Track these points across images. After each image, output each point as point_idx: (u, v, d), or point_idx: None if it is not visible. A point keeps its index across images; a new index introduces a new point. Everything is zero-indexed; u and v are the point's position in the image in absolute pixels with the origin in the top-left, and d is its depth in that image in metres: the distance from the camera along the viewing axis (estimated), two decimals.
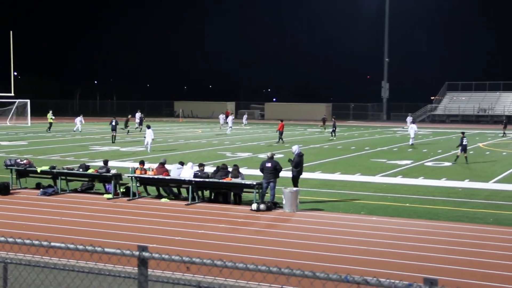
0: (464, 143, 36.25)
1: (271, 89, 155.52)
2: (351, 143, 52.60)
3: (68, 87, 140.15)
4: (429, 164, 36.41)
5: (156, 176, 23.73)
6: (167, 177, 23.54)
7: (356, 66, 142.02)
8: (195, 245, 16.41)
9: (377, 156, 40.39)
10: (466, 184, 28.29)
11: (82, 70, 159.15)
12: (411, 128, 51.87)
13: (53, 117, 63.88)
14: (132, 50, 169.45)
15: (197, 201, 22.78)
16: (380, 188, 26.87)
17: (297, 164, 22.75)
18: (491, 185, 28.21)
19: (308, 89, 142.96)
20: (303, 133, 65.20)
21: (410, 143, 49.99)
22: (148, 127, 41.23)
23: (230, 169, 23.50)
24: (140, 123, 64.26)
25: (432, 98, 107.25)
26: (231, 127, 63.97)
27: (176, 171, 23.56)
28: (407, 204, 22.88)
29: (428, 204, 22.98)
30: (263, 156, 30.81)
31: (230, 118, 65.23)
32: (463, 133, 38.14)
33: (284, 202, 21.23)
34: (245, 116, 79.71)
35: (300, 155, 23.10)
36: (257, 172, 23.63)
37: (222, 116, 69.40)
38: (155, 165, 24.99)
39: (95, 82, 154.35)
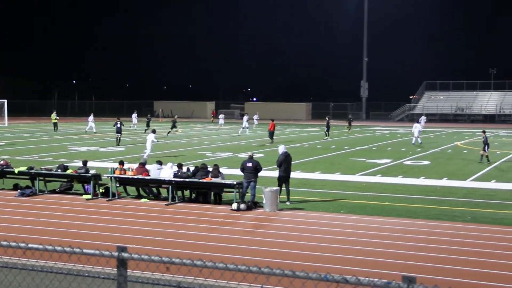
0: (487, 141, 36.23)
1: (251, 88, 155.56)
2: (330, 142, 52.81)
3: (46, 87, 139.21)
4: (408, 162, 36.59)
5: (135, 176, 23.66)
6: (146, 177, 23.47)
7: (336, 66, 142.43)
8: (175, 245, 16.40)
9: (356, 155, 40.53)
10: (444, 182, 28.46)
11: (60, 70, 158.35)
12: (415, 128, 51.11)
13: (57, 117, 64.26)
14: (112, 50, 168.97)
15: (177, 201, 22.75)
16: (360, 187, 26.98)
17: (281, 163, 22.74)
18: (468, 183, 28.40)
19: (288, 88, 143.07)
20: (283, 133, 65.39)
21: (412, 143, 50.48)
22: (154, 131, 38.58)
23: (210, 169, 23.50)
24: (147, 125, 62.58)
25: (410, 97, 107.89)
26: (245, 127, 62.38)
27: (156, 171, 23.54)
28: (386, 203, 22.97)
29: (407, 203, 23.09)
30: (243, 155, 30.80)
31: (245, 118, 63.79)
32: (484, 131, 38.28)
33: (264, 201, 21.22)
34: (221, 116, 78.39)
35: (286, 155, 23.06)
36: (238, 172, 23.64)
37: (256, 117, 68.18)
38: (135, 165, 24.96)
39: (73, 81, 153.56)
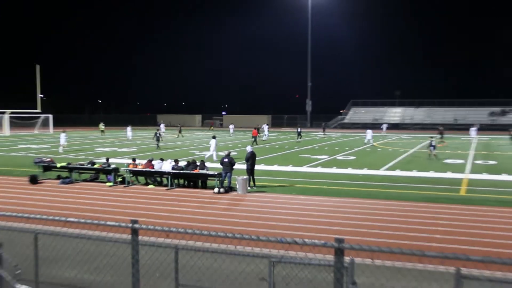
0: (432, 144, 36.54)
1: (227, 104, 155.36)
2: (285, 143, 52.80)
3: (78, 103, 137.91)
4: (340, 158, 36.77)
5: (144, 169, 23.98)
6: (152, 170, 23.73)
7: (288, 86, 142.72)
8: (173, 218, 16.43)
9: (303, 153, 40.63)
10: (365, 171, 28.68)
11: (90, 91, 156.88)
12: (368, 133, 52.95)
13: (103, 126, 63.77)
14: (128, 76, 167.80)
15: (174, 187, 22.88)
16: (306, 175, 27.09)
17: (248, 159, 22.96)
18: (381, 172, 28.65)
19: (254, 104, 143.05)
20: (251, 137, 65.24)
21: (365, 142, 52.30)
22: (214, 137, 35.98)
23: (198, 164, 23.67)
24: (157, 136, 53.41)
25: (341, 111, 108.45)
26: (266, 134, 60.55)
27: (158, 165, 23.92)
28: (324, 186, 23.12)
29: (339, 186, 23.25)
30: (222, 153, 30.81)
31: (266, 127, 62.67)
32: (431, 137, 39.34)
33: (238, 186, 21.42)
34: (162, 124, 75.29)
35: (252, 153, 23.30)
36: (218, 166, 23.72)
37: (231, 126, 66.98)
38: (143, 161, 25.16)
39: (99, 101, 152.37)
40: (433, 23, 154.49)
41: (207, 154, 35.08)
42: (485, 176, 26.68)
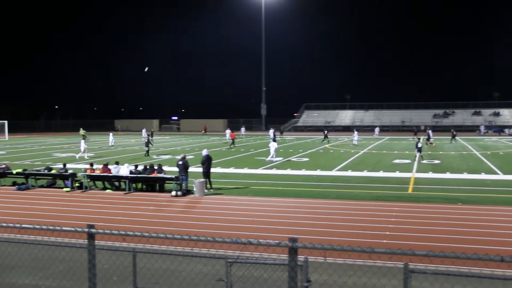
0: (419, 146, 36.63)
1: (185, 109, 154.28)
2: (241, 146, 52.81)
3: (34, 110, 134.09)
4: (294, 159, 37.02)
5: (101, 174, 23.53)
6: (109, 174, 23.35)
7: (244, 91, 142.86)
8: (131, 222, 16.23)
9: (259, 155, 40.74)
10: (318, 172, 28.96)
11: (45, 95, 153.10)
12: (355, 136, 55.72)
13: (84, 131, 62.07)
14: (85, 82, 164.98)
15: (132, 191, 22.51)
16: (261, 177, 27.16)
17: (204, 162, 22.89)
18: (334, 173, 28.95)
19: (211, 108, 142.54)
20: (207, 141, 65.02)
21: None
22: (274, 140, 38.26)
23: (156, 167, 23.45)
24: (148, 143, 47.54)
25: (295, 114, 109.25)
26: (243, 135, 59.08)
27: (115, 170, 23.54)
28: (280, 188, 23.20)
29: (294, 187, 23.39)
30: (178, 157, 30.58)
31: (242, 129, 61.18)
32: (418, 138, 39.89)
33: (195, 189, 21.29)
34: (144, 130, 73.41)
35: (207, 156, 23.22)
36: (175, 169, 23.56)
37: (228, 131, 64.38)
38: (100, 166, 24.74)
39: (56, 107, 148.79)
40: (381, 30, 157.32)
41: (271, 155, 35.62)
42: (430, 175, 27.30)
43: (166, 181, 22.63)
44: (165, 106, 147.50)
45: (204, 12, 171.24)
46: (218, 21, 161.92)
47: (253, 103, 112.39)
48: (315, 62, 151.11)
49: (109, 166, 24.07)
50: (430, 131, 53.94)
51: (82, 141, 41.46)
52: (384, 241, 13.45)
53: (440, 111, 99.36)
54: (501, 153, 41.95)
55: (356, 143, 54.43)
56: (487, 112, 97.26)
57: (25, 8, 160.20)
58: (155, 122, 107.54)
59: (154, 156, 39.56)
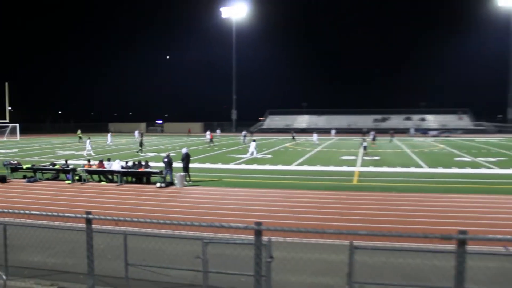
0: (364, 144, 37.55)
1: (168, 114, 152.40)
2: (215, 145, 52.57)
3: (40, 114, 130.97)
4: (259, 156, 37.04)
5: (97, 169, 23.27)
6: (104, 169, 23.06)
7: (218, 99, 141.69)
8: (123, 209, 16.02)
9: (230, 153, 40.65)
10: (279, 167, 29.04)
11: (50, 101, 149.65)
12: (315, 137, 56.87)
13: (81, 133, 60.38)
14: (84, 88, 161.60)
15: (123, 183, 22.28)
16: (232, 171, 27.11)
17: (183, 159, 22.81)
18: (292, 167, 29.06)
19: (189, 112, 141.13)
20: (186, 140, 64.55)
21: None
22: (254, 140, 39.06)
23: (143, 163, 23.27)
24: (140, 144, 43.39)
25: (260, 118, 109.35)
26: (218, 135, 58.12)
27: (108, 165, 23.41)
28: (248, 180, 23.20)
29: (259, 179, 23.41)
30: (163, 154, 30.21)
31: (218, 131, 60.40)
32: (363, 139, 40.48)
33: (176, 181, 21.18)
34: (137, 131, 72.67)
35: (186, 154, 23.11)
36: (159, 165, 23.37)
37: (208, 133, 62.70)
38: (96, 162, 24.44)
39: (59, 112, 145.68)
40: (331, 47, 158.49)
41: (251, 153, 36.07)
42: (371, 169, 27.66)
43: (152, 175, 22.46)
44: (151, 111, 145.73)
45: (185, 29, 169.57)
46: (196, 38, 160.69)
47: (225, 108, 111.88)
48: (277, 74, 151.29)
49: (104, 162, 23.83)
50: (373, 133, 54.53)
51: (88, 140, 40.77)
52: (334, 223, 13.59)
53: (379, 116, 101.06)
54: (426, 151, 42.79)
55: (317, 142, 55.45)
56: (416, 117, 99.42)
57: (20, 18, 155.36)
58: (143, 125, 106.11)
59: (142, 154, 39.11)
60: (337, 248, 9.80)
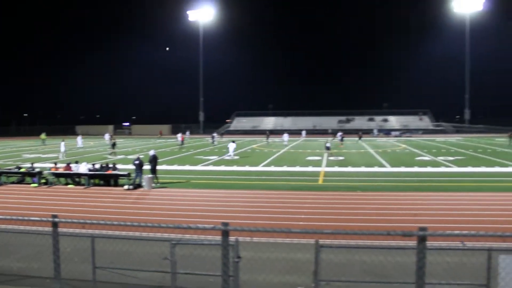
0: (327, 145, 38.08)
1: (136, 116, 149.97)
2: (183, 147, 52.19)
3: (5, 117, 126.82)
4: (227, 158, 37.00)
5: (64, 171, 22.78)
6: (71, 172, 22.58)
7: (186, 101, 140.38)
8: (91, 212, 15.73)
9: (198, 154, 40.46)
10: (247, 168, 29.08)
11: (15, 104, 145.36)
12: (285, 137, 57.00)
13: (45, 136, 58.54)
14: (47, 90, 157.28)
15: (91, 185, 21.86)
16: (200, 173, 26.99)
17: (151, 161, 22.60)
18: (259, 168, 29.14)
19: (157, 115, 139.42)
20: (154, 142, 63.85)
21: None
22: (233, 141, 39.95)
23: (111, 166, 22.92)
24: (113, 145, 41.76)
25: (227, 120, 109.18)
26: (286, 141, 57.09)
27: (76, 168, 22.96)
28: (215, 181, 23.15)
29: (227, 180, 23.39)
30: (132, 157, 29.90)
31: (187, 133, 59.74)
32: (327, 140, 41.02)
33: (144, 183, 20.95)
34: (107, 134, 71.35)
35: (154, 156, 22.89)
36: (128, 167, 23.04)
37: (179, 135, 60.92)
38: (63, 165, 23.93)
39: (25, 115, 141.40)
40: (296, 44, 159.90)
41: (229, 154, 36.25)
42: (336, 169, 28.03)
43: (120, 177, 22.15)
44: (118, 113, 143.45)
45: (152, 31, 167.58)
46: (163, 40, 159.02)
47: (193, 110, 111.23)
48: (244, 76, 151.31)
49: (71, 165, 23.35)
50: (341, 134, 55.09)
51: (63, 143, 39.92)
52: (300, 222, 13.71)
53: (343, 117, 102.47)
54: (389, 150, 43.66)
55: (286, 143, 55.82)
56: (379, 118, 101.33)
57: None
58: (110, 128, 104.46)
59: (113, 157, 38.51)
60: (303, 247, 9.90)
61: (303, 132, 79.75)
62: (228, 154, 37.48)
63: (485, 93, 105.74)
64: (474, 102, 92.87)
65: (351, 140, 61.75)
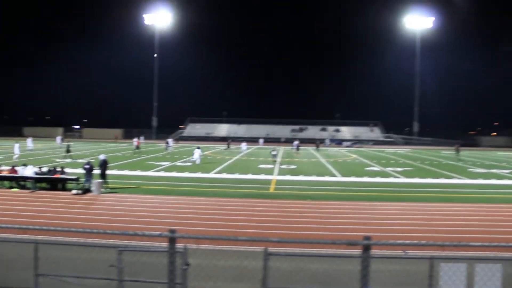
0: (273, 153, 40.26)
1: (87, 119, 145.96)
2: (136, 152, 51.35)
3: None
4: (179, 164, 36.69)
5: (8, 175, 21.99)
6: (16, 175, 21.81)
7: (139, 105, 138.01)
8: (35, 217, 15.21)
9: (150, 160, 39.90)
10: (199, 175, 28.94)
11: None
12: (244, 146, 57.63)
13: None
14: None
15: (37, 189, 21.11)
16: (151, 178, 26.65)
17: (101, 165, 22.15)
18: (211, 175, 29.07)
19: (109, 118, 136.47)
20: (104, 147, 62.45)
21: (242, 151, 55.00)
22: (199, 147, 40.44)
23: (59, 169, 22.29)
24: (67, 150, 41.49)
25: (180, 126, 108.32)
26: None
27: (22, 171, 22.08)
28: (166, 187, 22.91)
29: (178, 187, 23.21)
30: (82, 161, 29.14)
31: (141, 137, 58.42)
32: (274, 148, 41.52)
33: (93, 188, 20.47)
34: (59, 137, 69.23)
35: (104, 160, 22.46)
36: (77, 171, 22.47)
37: (135, 139, 58.27)
38: (8, 168, 23.03)
39: None
40: (251, 52, 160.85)
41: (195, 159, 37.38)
42: (288, 177, 28.34)
43: (68, 181, 21.54)
44: (69, 116, 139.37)
45: (106, 34, 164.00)
46: (118, 43, 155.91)
47: (146, 115, 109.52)
48: (199, 82, 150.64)
49: (16, 168, 22.52)
50: (297, 143, 55.73)
51: (17, 145, 38.45)
52: (250, 230, 13.79)
53: (296, 127, 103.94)
54: (340, 160, 44.60)
55: (246, 151, 56.31)
56: (331, 128, 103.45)
57: None
58: (60, 130, 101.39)
59: (58, 159, 37.37)
60: (251, 255, 9.95)
61: (261, 140, 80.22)
62: (193, 159, 38.08)
63: (433, 107, 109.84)
64: (422, 116, 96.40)
65: (306, 149, 62.61)
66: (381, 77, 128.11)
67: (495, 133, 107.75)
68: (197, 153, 38.23)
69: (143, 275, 7.54)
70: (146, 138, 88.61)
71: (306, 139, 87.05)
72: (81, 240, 8.50)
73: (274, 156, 38.42)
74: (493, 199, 20.96)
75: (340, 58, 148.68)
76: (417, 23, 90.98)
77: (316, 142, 65.36)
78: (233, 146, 63.00)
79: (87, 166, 21.35)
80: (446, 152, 63.04)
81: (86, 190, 20.69)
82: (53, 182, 21.76)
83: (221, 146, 70.22)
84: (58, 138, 64.00)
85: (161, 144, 71.04)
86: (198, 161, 37.59)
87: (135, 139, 54.45)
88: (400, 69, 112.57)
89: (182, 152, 52.69)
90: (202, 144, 70.85)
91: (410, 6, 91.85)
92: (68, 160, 37.38)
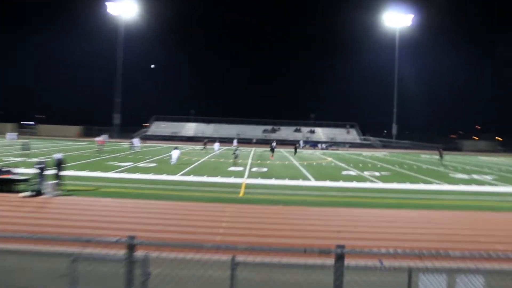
0: (236, 153, 41.15)
1: (46, 115, 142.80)
2: (96, 151, 50.52)
3: None
4: (142, 165, 36.22)
5: None
6: None
7: (100, 101, 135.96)
8: None
9: (112, 160, 39.29)
10: (164, 177, 28.59)
11: None
12: (216, 146, 60.23)
13: None
14: None
15: None
16: (112, 180, 26.20)
17: (56, 165, 21.59)
18: (178, 177, 28.75)
19: (66, 114, 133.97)
20: (63, 145, 61.24)
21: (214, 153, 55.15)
22: (176, 148, 41.20)
23: (7, 169, 21.68)
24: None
25: (144, 124, 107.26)
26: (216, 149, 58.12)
27: None
28: (128, 190, 22.53)
29: (141, 190, 22.87)
30: (34, 160, 28.37)
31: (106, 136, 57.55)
32: (235, 149, 41.81)
33: (46, 190, 19.97)
34: (12, 133, 67.92)
35: (59, 160, 21.91)
36: (29, 171, 21.89)
37: (99, 138, 56.48)
38: None
39: None
40: (221, 49, 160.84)
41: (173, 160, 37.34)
42: (259, 181, 28.29)
43: (16, 183, 20.91)
44: (23, 111, 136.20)
45: (65, 23, 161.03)
46: (77, 33, 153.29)
47: (107, 112, 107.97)
48: (165, 79, 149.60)
49: None
50: (274, 144, 55.54)
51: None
52: (217, 237, 13.64)
53: (269, 127, 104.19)
54: (314, 163, 44.83)
55: (217, 152, 56.42)
56: (305, 129, 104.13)
57: None
58: (9, 126, 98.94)
59: (10, 158, 36.40)
60: (217, 264, 9.82)
61: (235, 141, 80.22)
62: (172, 161, 38.43)
63: (413, 109, 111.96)
64: (401, 118, 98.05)
65: (279, 151, 62.75)
66: (358, 76, 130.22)
67: (477, 137, 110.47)
68: (175, 154, 38.68)
69: (99, 286, 7.34)
70: (110, 137, 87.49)
71: (279, 140, 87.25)
72: (31, 247, 8.19)
73: (236, 156, 39.67)
74: (474, 206, 21.35)
75: (315, 56, 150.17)
76: (396, 20, 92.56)
77: (296, 145, 65.36)
78: (209, 146, 62.70)
79: (39, 166, 20.79)
80: (426, 156, 64.17)
81: (38, 193, 20.16)
82: None
83: (188, 146, 69.83)
84: (10, 135, 62.45)
85: (124, 143, 70.16)
86: (174, 162, 38.08)
87: (99, 138, 53.78)
88: (379, 68, 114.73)
89: (146, 152, 52.13)
90: (168, 144, 70.24)
91: (388, 3, 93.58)
92: (23, 158, 36.54)
